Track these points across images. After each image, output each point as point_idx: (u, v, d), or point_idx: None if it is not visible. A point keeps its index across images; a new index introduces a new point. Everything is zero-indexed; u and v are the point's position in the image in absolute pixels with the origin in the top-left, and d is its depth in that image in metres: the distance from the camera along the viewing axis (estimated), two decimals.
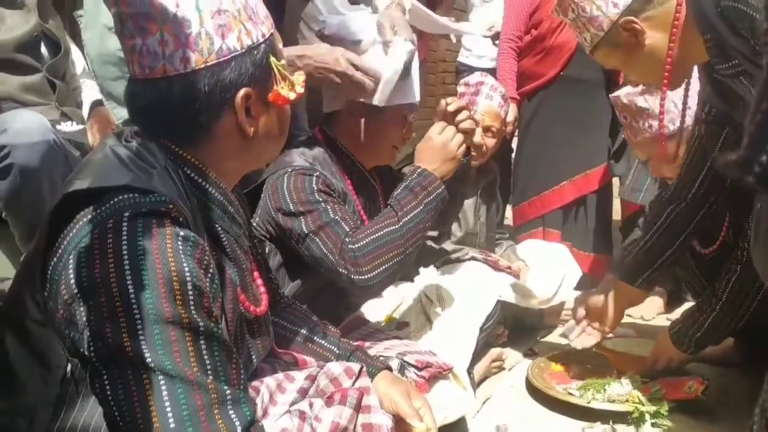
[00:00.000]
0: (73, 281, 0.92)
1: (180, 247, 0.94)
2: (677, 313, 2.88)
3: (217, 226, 1.13)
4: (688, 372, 2.10)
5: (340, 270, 1.66)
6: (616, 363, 2.23)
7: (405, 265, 1.69)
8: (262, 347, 1.26)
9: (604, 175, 3.32)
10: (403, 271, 1.71)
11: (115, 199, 0.96)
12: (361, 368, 1.27)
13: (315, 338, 1.44)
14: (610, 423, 1.94)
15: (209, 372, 0.93)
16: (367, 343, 1.75)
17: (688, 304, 2.82)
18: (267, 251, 1.83)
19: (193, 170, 1.11)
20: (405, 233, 1.66)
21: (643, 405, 1.95)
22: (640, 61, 1.65)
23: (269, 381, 1.26)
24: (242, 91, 1.09)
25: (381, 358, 1.50)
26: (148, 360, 0.89)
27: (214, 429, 0.91)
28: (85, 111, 2.32)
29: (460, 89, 2.85)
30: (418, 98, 1.97)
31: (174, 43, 1.05)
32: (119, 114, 1.99)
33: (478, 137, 2.58)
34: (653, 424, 1.93)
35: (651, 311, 2.95)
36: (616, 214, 3.45)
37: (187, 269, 0.94)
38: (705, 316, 1.99)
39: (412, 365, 1.64)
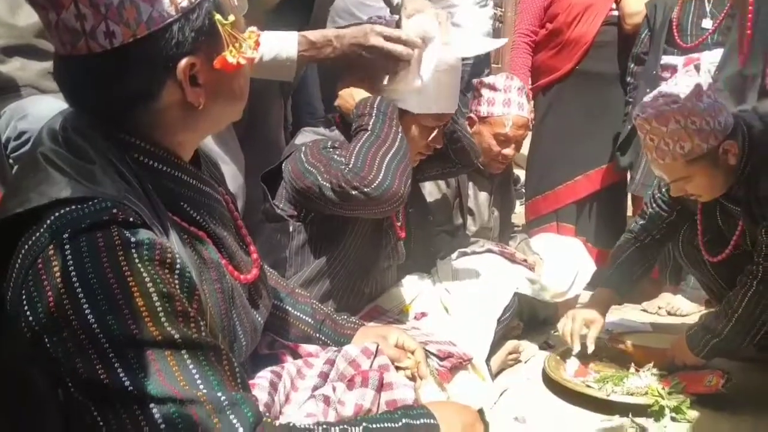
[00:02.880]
0: (31, 319, 0.83)
1: (135, 257, 0.84)
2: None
3: (182, 204, 1.02)
4: (708, 365, 2.08)
5: (355, 194, 1.64)
6: (635, 356, 2.22)
7: (405, 160, 1.72)
8: (264, 309, 1.23)
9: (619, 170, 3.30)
10: (408, 169, 1.73)
11: (52, 218, 0.85)
12: (378, 347, 1.28)
13: (285, 306, 1.41)
14: (629, 416, 1.93)
15: (199, 383, 0.84)
16: None
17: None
18: (291, 231, 1.84)
19: (141, 153, 0.97)
20: (380, 133, 1.73)
21: (663, 398, 1.93)
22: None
23: (290, 367, 1.27)
24: (183, 62, 0.94)
25: (350, 321, 1.49)
26: (131, 389, 0.81)
27: None
28: None
29: (486, 93, 2.58)
30: (453, 108, 1.95)
31: (93, 17, 0.89)
32: None
33: (509, 150, 2.57)
34: (673, 418, 1.91)
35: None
36: (629, 209, 3.44)
37: (147, 279, 0.84)
38: (722, 326, 1.98)
39: (435, 354, 1.63)
